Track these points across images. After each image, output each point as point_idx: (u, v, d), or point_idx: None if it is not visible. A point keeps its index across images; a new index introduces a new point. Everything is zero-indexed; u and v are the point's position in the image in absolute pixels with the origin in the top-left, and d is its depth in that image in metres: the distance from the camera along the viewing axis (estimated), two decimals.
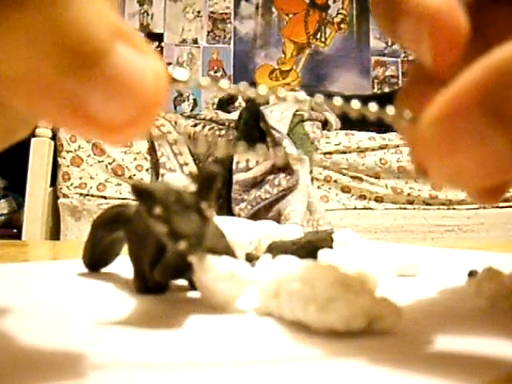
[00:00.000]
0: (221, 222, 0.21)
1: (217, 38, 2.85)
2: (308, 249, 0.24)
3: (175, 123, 1.55)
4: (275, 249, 0.24)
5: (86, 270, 0.28)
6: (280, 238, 0.26)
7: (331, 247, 0.25)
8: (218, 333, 0.16)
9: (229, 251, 0.20)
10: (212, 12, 2.86)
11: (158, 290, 0.20)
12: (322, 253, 0.24)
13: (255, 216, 1.36)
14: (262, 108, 1.53)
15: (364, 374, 0.12)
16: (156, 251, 0.19)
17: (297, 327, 0.15)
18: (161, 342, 0.15)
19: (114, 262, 0.27)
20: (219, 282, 0.17)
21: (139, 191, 0.16)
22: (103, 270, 0.27)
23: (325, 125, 1.64)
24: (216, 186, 0.17)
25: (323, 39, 2.87)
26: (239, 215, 1.40)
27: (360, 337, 0.15)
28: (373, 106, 0.13)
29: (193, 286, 0.20)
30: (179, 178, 0.17)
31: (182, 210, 0.16)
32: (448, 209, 1.54)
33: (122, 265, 0.26)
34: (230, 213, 1.43)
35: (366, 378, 0.12)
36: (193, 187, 0.17)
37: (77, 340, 0.15)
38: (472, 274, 0.24)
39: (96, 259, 0.26)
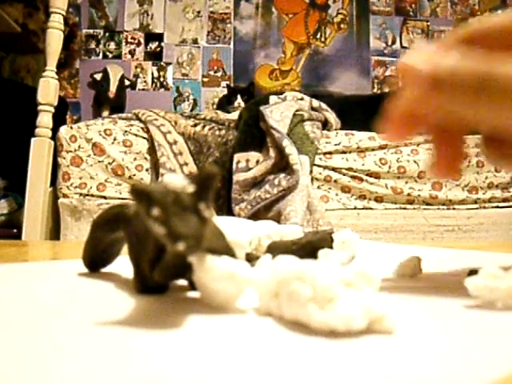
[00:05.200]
0: (221, 222, 0.21)
1: (217, 38, 2.85)
2: (308, 249, 0.24)
3: (175, 123, 1.55)
4: (275, 249, 0.24)
5: (86, 270, 0.28)
6: (280, 238, 0.26)
7: (331, 247, 0.25)
8: (218, 333, 0.16)
9: (228, 251, 0.20)
10: (212, 12, 2.86)
11: (157, 290, 0.20)
12: (322, 253, 0.24)
13: (255, 216, 1.36)
14: (261, 108, 1.53)
15: (364, 373, 0.12)
16: (155, 252, 0.19)
17: (297, 327, 0.15)
18: (161, 342, 0.15)
19: (114, 262, 0.27)
20: (219, 282, 0.17)
21: (137, 192, 0.16)
22: (103, 270, 0.27)
23: (325, 125, 1.64)
24: (214, 187, 0.17)
25: (323, 39, 2.87)
26: (239, 215, 1.40)
27: (360, 337, 0.15)
28: None
29: (193, 286, 0.20)
30: (178, 178, 0.17)
31: (181, 211, 0.16)
32: (448, 209, 1.54)
33: (122, 265, 0.26)
34: (230, 213, 1.42)
35: (365, 378, 0.12)
36: (191, 188, 0.17)
37: (76, 340, 0.15)
38: (472, 273, 0.24)
39: (96, 259, 0.26)
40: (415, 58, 0.21)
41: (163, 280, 0.20)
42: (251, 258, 0.23)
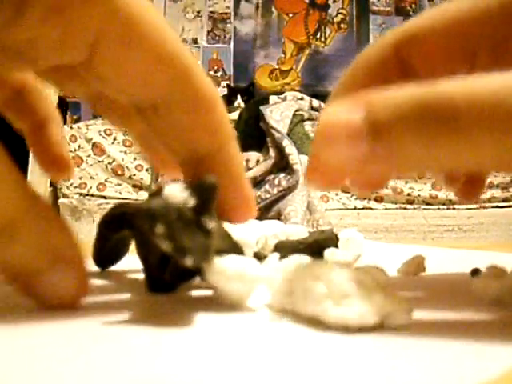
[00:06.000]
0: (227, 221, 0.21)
1: (217, 38, 2.85)
2: (314, 248, 0.24)
3: None
4: (282, 248, 0.24)
5: (92, 268, 0.28)
6: (286, 238, 0.26)
7: (337, 246, 0.26)
8: (228, 330, 0.16)
9: (236, 250, 0.20)
10: (212, 12, 2.86)
11: (168, 289, 0.21)
12: (328, 252, 0.24)
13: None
14: (261, 108, 1.54)
15: (363, 373, 0.12)
16: (163, 253, 0.19)
17: (310, 323, 0.15)
18: (171, 340, 0.15)
19: (123, 260, 0.27)
20: (230, 283, 0.17)
21: (140, 210, 0.16)
22: (112, 267, 0.27)
23: None
24: (215, 199, 0.17)
25: (323, 39, 2.87)
26: None
27: (359, 335, 0.15)
28: None
29: (204, 279, 0.20)
30: (177, 189, 0.17)
31: (184, 226, 0.16)
32: (448, 209, 1.54)
33: (128, 263, 0.26)
34: None
35: (364, 377, 0.12)
36: (192, 201, 0.17)
37: (83, 338, 0.15)
38: (475, 272, 0.25)
39: (105, 257, 0.26)
40: (338, 110, 0.16)
41: (174, 281, 0.20)
42: (259, 257, 0.23)
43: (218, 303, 0.18)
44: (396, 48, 0.22)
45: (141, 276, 0.22)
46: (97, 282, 0.25)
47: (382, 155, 0.15)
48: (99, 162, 1.49)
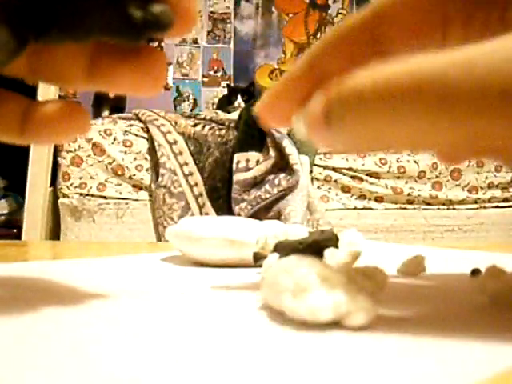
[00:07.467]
0: (227, 221, 0.21)
1: (217, 38, 2.85)
2: (314, 248, 0.24)
3: (175, 123, 1.55)
4: (282, 248, 0.24)
5: (86, 271, 0.27)
6: (286, 238, 0.26)
7: (337, 246, 0.25)
8: (212, 326, 0.16)
9: None
10: (212, 12, 2.86)
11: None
12: (328, 252, 0.24)
13: (255, 216, 1.37)
14: None
15: (374, 369, 0.12)
16: None
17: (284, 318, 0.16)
18: (162, 340, 0.15)
19: (111, 266, 0.27)
20: None
21: None
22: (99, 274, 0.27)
23: None
24: None
25: None
26: (239, 215, 1.41)
27: (360, 332, 0.15)
28: None
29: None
30: None
31: None
32: (448, 209, 1.54)
33: (122, 267, 0.26)
34: (230, 213, 1.43)
35: (377, 373, 0.12)
36: None
37: (77, 340, 0.15)
38: (475, 272, 0.25)
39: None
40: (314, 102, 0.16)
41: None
42: (258, 257, 0.23)
43: (205, 301, 0.18)
44: (365, 27, 0.20)
45: (129, 279, 0.22)
46: (87, 284, 0.25)
47: (339, 139, 0.16)
48: (99, 162, 1.49)
